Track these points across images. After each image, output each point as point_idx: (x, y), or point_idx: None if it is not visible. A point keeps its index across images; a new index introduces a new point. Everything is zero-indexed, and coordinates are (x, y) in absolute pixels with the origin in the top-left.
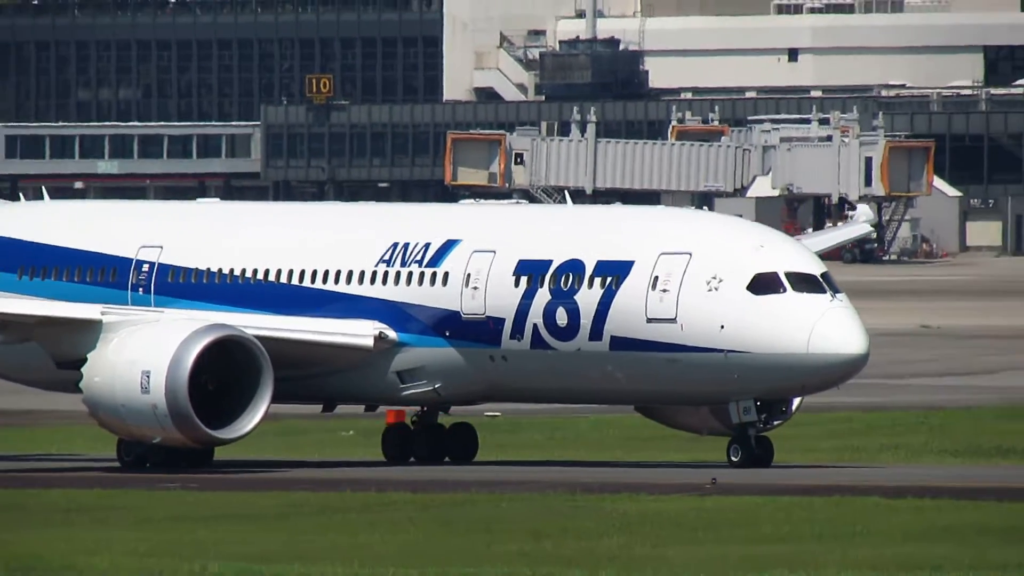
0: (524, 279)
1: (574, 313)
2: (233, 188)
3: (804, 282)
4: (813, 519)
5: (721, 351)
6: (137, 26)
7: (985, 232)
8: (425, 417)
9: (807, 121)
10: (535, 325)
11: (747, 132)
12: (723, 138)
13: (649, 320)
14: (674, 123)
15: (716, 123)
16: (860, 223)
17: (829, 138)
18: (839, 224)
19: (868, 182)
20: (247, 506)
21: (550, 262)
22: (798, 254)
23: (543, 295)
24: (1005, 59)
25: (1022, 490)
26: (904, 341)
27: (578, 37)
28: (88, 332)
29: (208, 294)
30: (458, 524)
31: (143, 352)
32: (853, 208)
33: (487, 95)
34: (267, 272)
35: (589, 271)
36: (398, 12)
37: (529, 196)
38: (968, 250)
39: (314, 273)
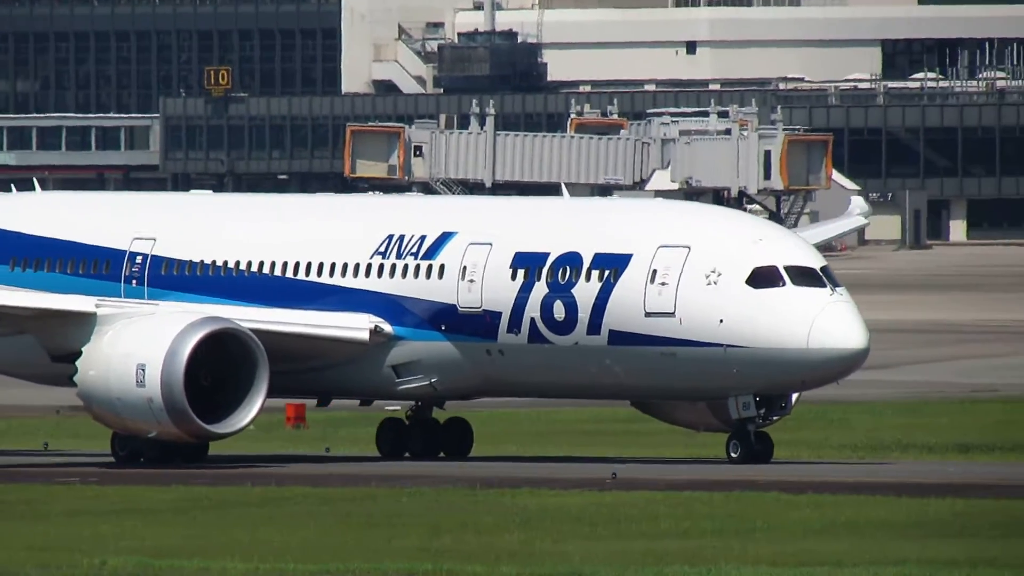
0: (521, 272)
1: (572, 307)
2: (132, 180)
3: (803, 275)
4: (712, 514)
5: (720, 345)
6: (35, 18)
7: (884, 226)
8: (419, 412)
9: (706, 114)
10: (532, 319)
11: (646, 125)
12: (622, 131)
13: (648, 314)
14: (573, 116)
15: (615, 116)
16: (855, 215)
17: (728, 131)
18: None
19: (767, 175)
20: (147, 501)
21: (547, 255)
22: (797, 247)
23: (540, 288)
24: (902, 53)
25: (921, 485)
26: None
27: (476, 29)
28: (82, 325)
29: (202, 286)
30: (358, 519)
31: (138, 345)
32: (752, 201)
33: (386, 87)
34: (261, 265)
35: (587, 264)
36: (296, 4)
37: (428, 188)
38: (867, 244)
39: (308, 266)
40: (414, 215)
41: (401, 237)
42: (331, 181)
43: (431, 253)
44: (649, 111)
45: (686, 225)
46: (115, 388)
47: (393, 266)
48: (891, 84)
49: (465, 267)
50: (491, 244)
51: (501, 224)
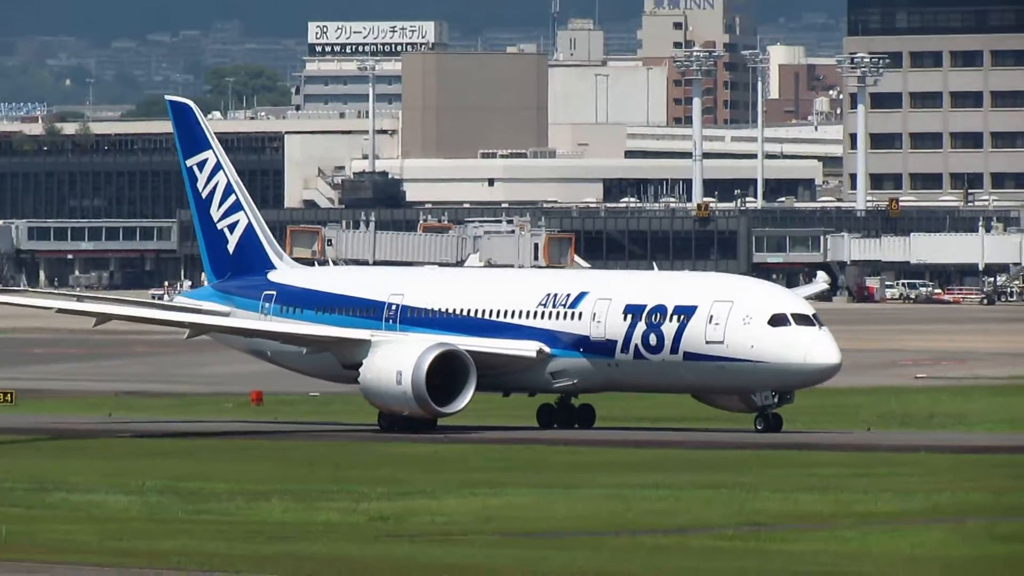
0: (629, 316)
1: (660, 337)
2: (160, 259)
3: (802, 319)
4: (507, 458)
5: (752, 361)
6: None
7: None
8: (563, 400)
9: (500, 222)
10: (636, 344)
11: (465, 227)
12: (450, 231)
13: (707, 342)
14: (421, 222)
15: (446, 222)
16: (820, 283)
17: (513, 231)
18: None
19: (536, 258)
20: (166, 447)
21: (645, 305)
22: (798, 301)
23: (641, 326)
24: (616, 186)
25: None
26: None
27: (364, 170)
28: (362, 347)
29: (435, 324)
30: (292, 458)
31: (397, 360)
32: None
33: (311, 204)
34: (470, 310)
35: (670, 311)
36: (257, 154)
37: (335, 264)
38: None
39: (500, 311)
40: (562, 281)
41: (555, 294)
42: None
43: (574, 304)
44: (466, 219)
45: (730, 288)
46: (383, 385)
47: (551, 312)
48: (608, 205)
49: (595, 313)
50: (611, 299)
51: (617, 287)
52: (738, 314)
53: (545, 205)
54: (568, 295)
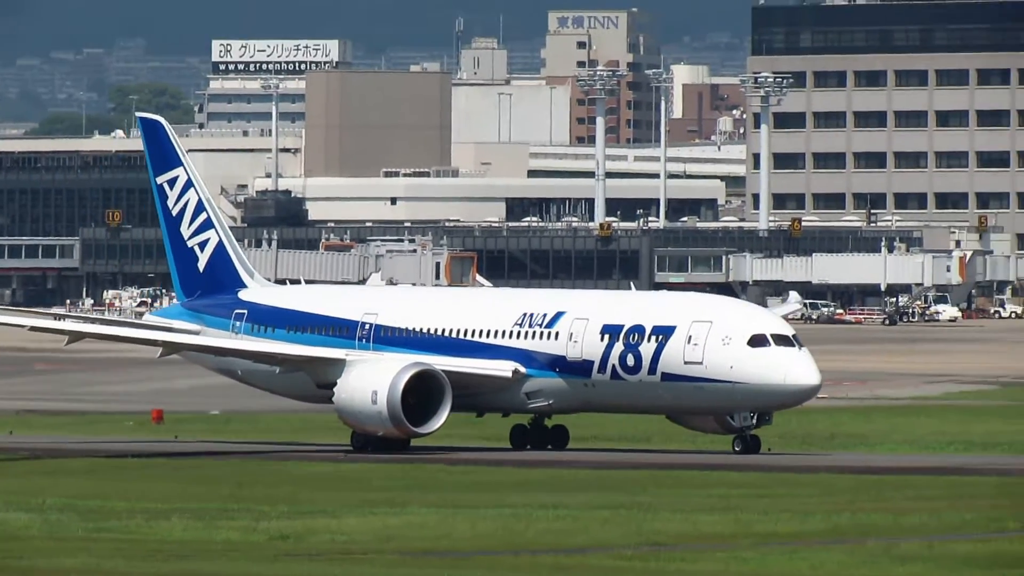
0: (607, 336)
1: (638, 357)
2: (62, 277)
3: (782, 340)
4: (402, 476)
5: (730, 382)
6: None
7: None
8: (536, 421)
9: (402, 240)
10: (613, 365)
11: (366, 246)
12: (352, 250)
13: (686, 362)
14: (323, 240)
15: (348, 241)
16: (793, 303)
17: (415, 251)
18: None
19: (437, 277)
20: (66, 466)
21: (623, 325)
22: (777, 321)
23: (619, 346)
24: (519, 205)
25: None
26: None
27: (267, 189)
28: (337, 366)
29: (409, 343)
30: (192, 477)
31: (372, 379)
32: None
33: None
34: (445, 330)
35: (648, 331)
36: None
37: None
38: None
39: (475, 331)
40: (539, 300)
41: (531, 314)
42: None
43: (550, 324)
44: (368, 238)
45: (709, 308)
46: (358, 405)
47: (527, 332)
48: (511, 224)
49: (572, 333)
50: (588, 319)
51: (594, 306)
52: (717, 334)
53: (447, 224)
54: (544, 315)
